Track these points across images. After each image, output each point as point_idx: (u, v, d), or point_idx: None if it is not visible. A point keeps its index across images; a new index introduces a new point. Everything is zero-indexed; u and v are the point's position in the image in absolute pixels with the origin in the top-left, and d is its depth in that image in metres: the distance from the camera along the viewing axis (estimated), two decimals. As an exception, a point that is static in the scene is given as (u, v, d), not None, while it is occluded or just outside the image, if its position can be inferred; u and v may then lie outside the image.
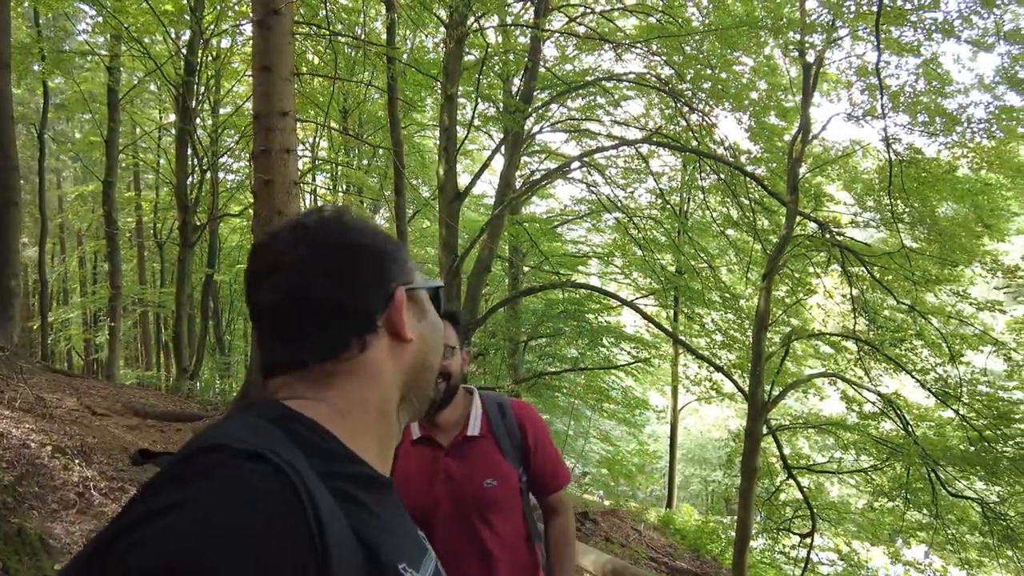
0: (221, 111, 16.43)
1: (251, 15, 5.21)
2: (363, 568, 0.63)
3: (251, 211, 15.76)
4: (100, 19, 14.10)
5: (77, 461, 3.33)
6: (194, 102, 12.98)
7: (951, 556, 10.15)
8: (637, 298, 13.53)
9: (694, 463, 27.16)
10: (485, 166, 11.71)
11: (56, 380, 6.01)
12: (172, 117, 18.03)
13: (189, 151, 13.28)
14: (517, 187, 11.84)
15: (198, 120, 14.13)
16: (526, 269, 14.93)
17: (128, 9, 11.94)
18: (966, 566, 9.76)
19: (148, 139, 20.33)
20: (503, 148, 11.69)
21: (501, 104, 11.98)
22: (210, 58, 13.49)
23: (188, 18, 12.11)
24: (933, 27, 8.81)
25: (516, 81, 12.02)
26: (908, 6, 8.70)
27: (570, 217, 15.54)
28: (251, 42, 13.13)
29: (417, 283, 0.83)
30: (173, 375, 14.86)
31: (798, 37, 8.34)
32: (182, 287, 12.57)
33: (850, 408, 9.63)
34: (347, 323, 0.75)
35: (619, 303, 11.53)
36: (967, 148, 8.77)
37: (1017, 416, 7.88)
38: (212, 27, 12.87)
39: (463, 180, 15.71)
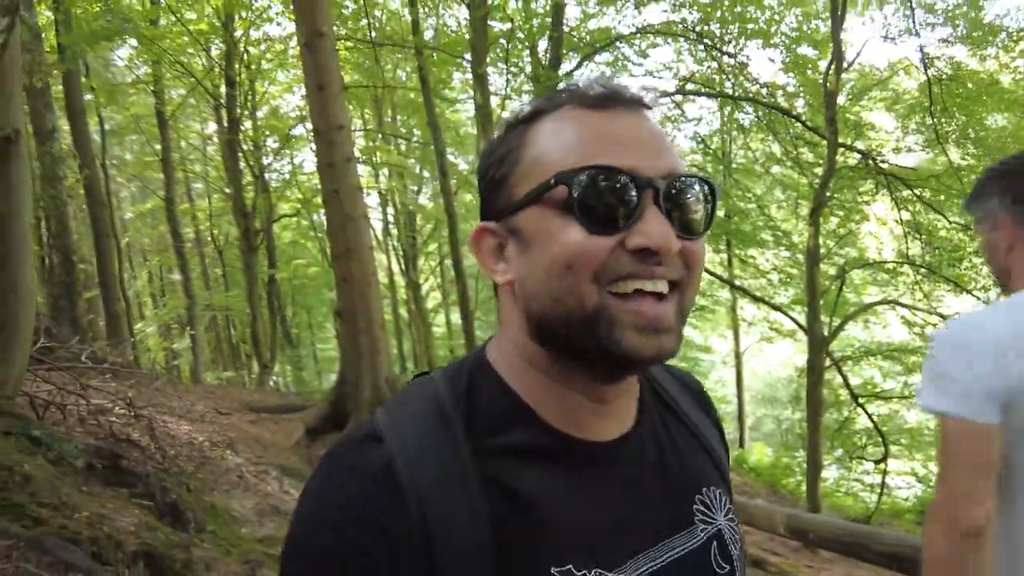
0: (258, 113, 17.03)
1: (297, 39, 5.59)
2: (492, 568, 0.57)
3: (302, 208, 16.41)
4: (138, 45, 14.77)
5: (229, 452, 4.01)
6: (238, 112, 13.57)
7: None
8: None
9: (765, 403, 27.13)
10: (523, 139, 11.88)
11: (176, 389, 6.76)
12: (212, 126, 18.79)
13: (240, 160, 13.92)
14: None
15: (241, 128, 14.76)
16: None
17: (166, 35, 12.51)
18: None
19: (192, 149, 21.20)
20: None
21: (531, 76, 12.12)
22: (245, 69, 14.01)
23: (220, 35, 12.62)
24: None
25: (543, 43, 12.08)
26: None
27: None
28: (282, 47, 13.50)
29: (516, 198, 0.63)
30: (255, 372, 15.82)
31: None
32: (253, 289, 13.34)
33: (912, 332, 9.68)
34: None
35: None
36: (1012, 55, 8.55)
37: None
38: (243, 36, 13.35)
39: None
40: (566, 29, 11.62)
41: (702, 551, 0.69)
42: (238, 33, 13.15)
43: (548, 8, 11.35)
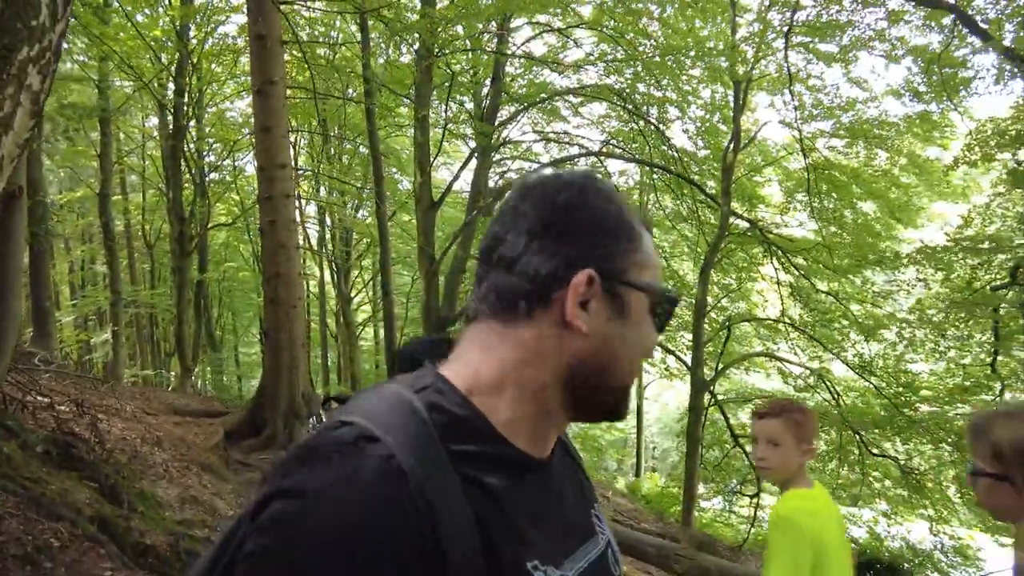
0: (204, 116, 17.15)
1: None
2: (480, 565, 0.60)
3: (239, 216, 16.66)
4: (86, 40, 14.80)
5: (156, 449, 4.58)
6: (184, 120, 13.84)
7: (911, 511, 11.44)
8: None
9: (673, 436, 28.36)
10: (456, 177, 12.73)
11: (114, 391, 7.15)
12: (154, 120, 18.75)
13: (182, 165, 14.15)
14: (490, 186, 12.92)
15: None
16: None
17: (116, 36, 12.69)
18: (892, 516, 11.18)
19: (131, 142, 21.00)
20: (474, 157, 12.74)
21: (470, 122, 12.98)
22: (196, 78, 14.29)
23: (173, 44, 12.94)
24: (850, 41, 10.03)
25: (486, 83, 12.95)
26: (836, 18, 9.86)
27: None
28: (232, 54, 13.89)
29: (632, 278, 0.73)
30: (175, 374, 15.87)
31: (726, 65, 9.48)
32: (182, 293, 13.55)
33: (786, 382, 10.94)
34: (520, 284, 0.70)
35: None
36: (879, 151, 10.02)
37: (918, 385, 9.22)
38: (198, 46, 13.65)
39: (443, 175, 16.80)
40: (508, 78, 12.58)
41: (603, 557, 0.80)
42: (192, 42, 13.48)
43: (491, 59, 12.28)
